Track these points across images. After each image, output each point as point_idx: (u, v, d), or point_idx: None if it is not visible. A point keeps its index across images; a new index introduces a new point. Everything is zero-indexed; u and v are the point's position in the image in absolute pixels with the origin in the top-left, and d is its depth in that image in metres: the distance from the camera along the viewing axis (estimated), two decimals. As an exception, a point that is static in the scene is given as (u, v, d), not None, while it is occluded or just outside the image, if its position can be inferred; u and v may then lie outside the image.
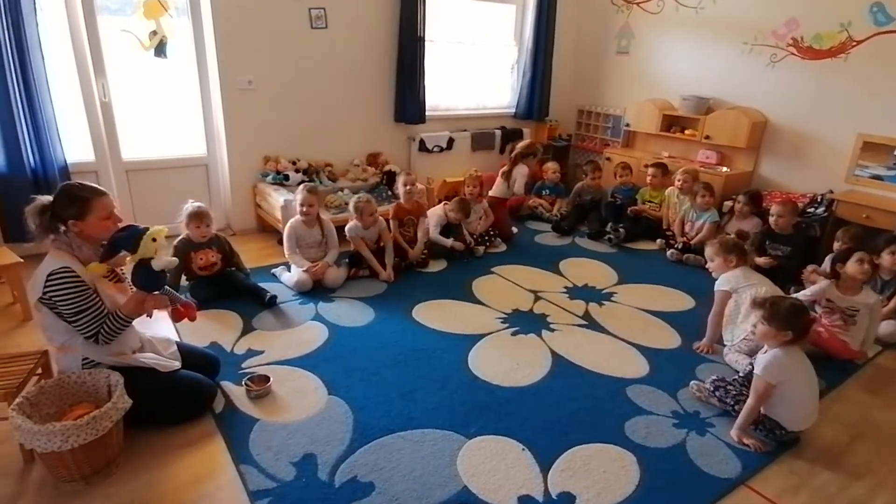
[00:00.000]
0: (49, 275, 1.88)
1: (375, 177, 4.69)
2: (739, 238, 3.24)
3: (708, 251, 3.04)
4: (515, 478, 1.98)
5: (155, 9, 3.72)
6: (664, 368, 2.73)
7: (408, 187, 3.90)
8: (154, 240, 1.94)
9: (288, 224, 3.51)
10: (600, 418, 2.34)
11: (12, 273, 2.95)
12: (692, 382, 2.55)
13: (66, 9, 3.47)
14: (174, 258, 2.12)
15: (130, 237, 1.94)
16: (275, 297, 3.19)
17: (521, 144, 4.63)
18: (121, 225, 2.02)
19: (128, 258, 2.01)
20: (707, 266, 3.08)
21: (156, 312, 2.17)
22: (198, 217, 3.12)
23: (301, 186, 3.52)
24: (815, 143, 4.42)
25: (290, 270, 3.49)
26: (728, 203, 4.38)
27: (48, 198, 1.98)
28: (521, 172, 4.44)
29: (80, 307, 1.91)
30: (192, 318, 2.33)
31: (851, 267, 2.84)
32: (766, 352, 2.21)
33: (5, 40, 3.16)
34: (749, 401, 2.21)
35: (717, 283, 2.92)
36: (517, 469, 2.03)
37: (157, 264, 1.97)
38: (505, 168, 4.52)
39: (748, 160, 4.79)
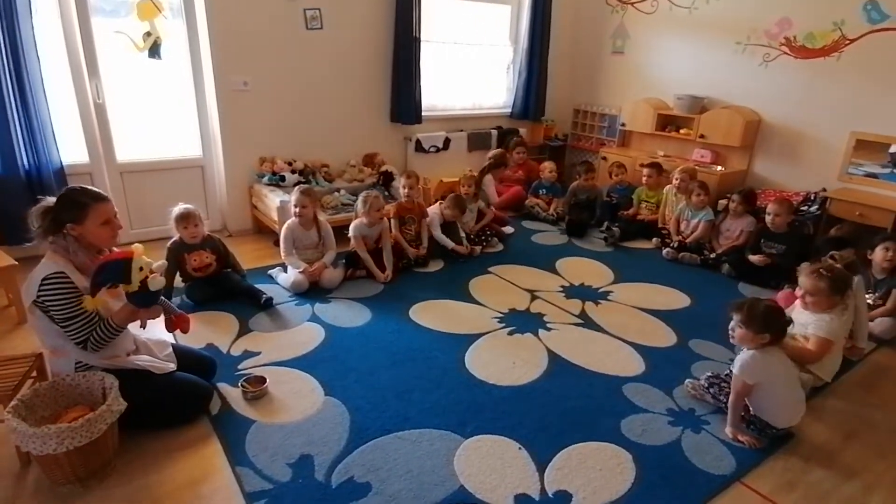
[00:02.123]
0: (43, 279, 1.87)
1: (372, 177, 4.69)
2: (849, 268, 2.59)
3: (807, 282, 2.50)
4: (512, 477, 1.99)
5: (149, 10, 3.71)
6: (660, 367, 2.74)
7: (406, 190, 3.91)
8: (141, 268, 1.91)
9: (285, 225, 3.51)
10: (596, 417, 2.34)
11: (7, 275, 2.94)
12: (687, 380, 2.56)
13: (61, 10, 3.46)
14: (162, 278, 2.03)
15: (117, 271, 1.90)
16: (271, 299, 3.18)
17: (490, 155, 4.61)
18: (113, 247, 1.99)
19: (120, 287, 1.97)
20: (798, 294, 2.61)
21: (149, 322, 2.13)
22: (184, 218, 3.12)
23: (295, 188, 3.52)
24: (808, 141, 4.45)
25: (286, 272, 3.49)
26: (723, 202, 4.40)
27: (52, 200, 1.98)
28: (488, 182, 4.44)
29: (71, 313, 1.90)
30: (185, 331, 2.26)
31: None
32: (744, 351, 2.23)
33: (0, 43, 3.14)
34: (730, 397, 2.25)
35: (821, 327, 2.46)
36: (514, 468, 2.03)
37: (153, 285, 1.95)
38: (476, 178, 4.46)
39: (742, 159, 4.81)
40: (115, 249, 2.03)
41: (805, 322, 2.54)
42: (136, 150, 3.99)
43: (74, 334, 1.93)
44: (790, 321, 2.21)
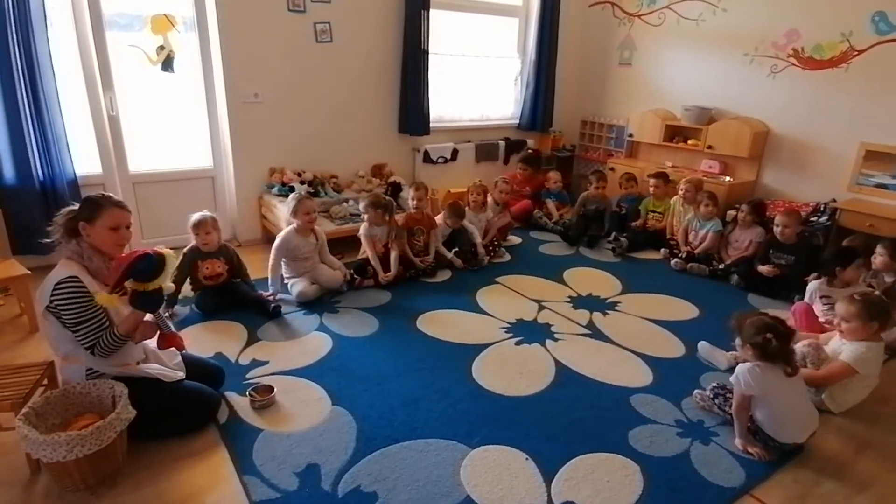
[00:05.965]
0: (57, 283, 1.91)
1: (380, 188, 4.72)
2: (888, 295, 2.52)
3: (841, 307, 2.46)
4: (519, 487, 1.98)
5: (162, 24, 3.79)
6: (668, 377, 2.72)
7: (414, 201, 3.94)
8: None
9: (280, 237, 3.40)
10: (604, 427, 2.33)
11: (20, 285, 2.98)
12: (696, 391, 2.54)
13: (76, 24, 3.54)
14: (172, 284, 2.12)
15: (150, 267, 1.93)
16: (279, 307, 3.21)
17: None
18: (130, 250, 2.02)
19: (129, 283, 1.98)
20: (836, 323, 2.53)
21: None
22: (197, 226, 3.17)
23: (290, 197, 3.47)
24: (817, 152, 4.43)
25: (292, 283, 3.50)
26: (731, 212, 4.39)
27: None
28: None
29: (82, 317, 1.93)
30: (180, 348, 2.25)
31: (850, 273, 2.93)
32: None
33: (15, 55, 3.22)
34: (733, 407, 2.24)
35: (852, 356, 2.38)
36: (520, 479, 2.02)
37: (167, 289, 2.02)
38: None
39: (751, 169, 4.80)
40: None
41: (837, 349, 2.48)
42: (149, 161, 4.05)
43: (84, 338, 1.96)
44: (793, 338, 2.19)
